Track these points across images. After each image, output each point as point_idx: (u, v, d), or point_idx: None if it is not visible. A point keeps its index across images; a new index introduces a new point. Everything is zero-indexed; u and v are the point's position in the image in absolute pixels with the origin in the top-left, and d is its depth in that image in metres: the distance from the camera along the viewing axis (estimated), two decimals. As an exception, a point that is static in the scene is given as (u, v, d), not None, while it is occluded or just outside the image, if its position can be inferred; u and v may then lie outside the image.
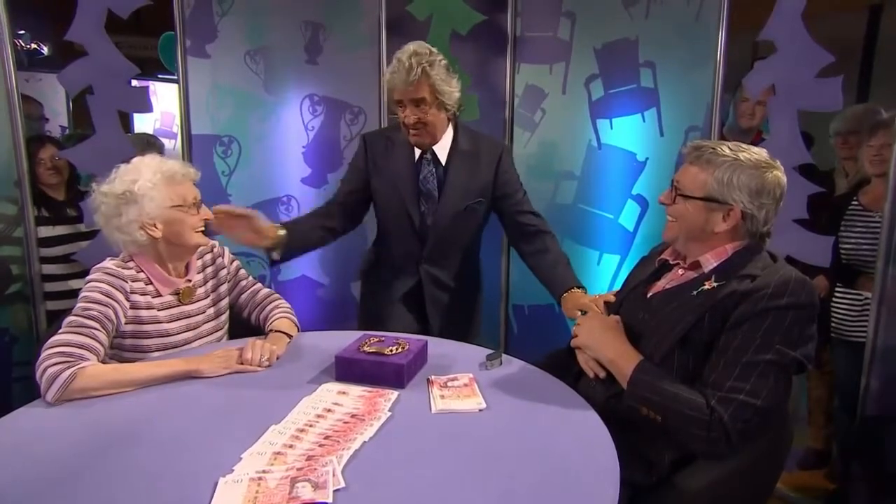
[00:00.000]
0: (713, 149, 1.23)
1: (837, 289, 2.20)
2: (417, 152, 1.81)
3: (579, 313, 1.49)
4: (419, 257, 1.86)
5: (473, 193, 1.81)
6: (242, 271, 1.71)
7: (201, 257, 1.60)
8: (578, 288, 1.70)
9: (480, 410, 1.18)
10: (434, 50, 1.69)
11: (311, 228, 1.81)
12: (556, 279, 1.75)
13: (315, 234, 1.82)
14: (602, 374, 1.27)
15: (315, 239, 1.83)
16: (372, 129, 2.54)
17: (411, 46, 1.68)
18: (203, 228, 1.51)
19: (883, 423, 1.84)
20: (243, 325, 1.68)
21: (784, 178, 1.22)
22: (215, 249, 1.64)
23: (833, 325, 2.21)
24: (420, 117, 1.70)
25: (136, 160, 1.47)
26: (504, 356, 1.43)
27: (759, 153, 1.22)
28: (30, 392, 1.24)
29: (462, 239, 1.88)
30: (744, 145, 1.24)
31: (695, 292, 1.22)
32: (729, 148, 1.22)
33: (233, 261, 1.69)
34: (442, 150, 1.80)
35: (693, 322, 1.18)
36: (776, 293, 1.12)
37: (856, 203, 2.14)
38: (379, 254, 1.97)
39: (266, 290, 1.71)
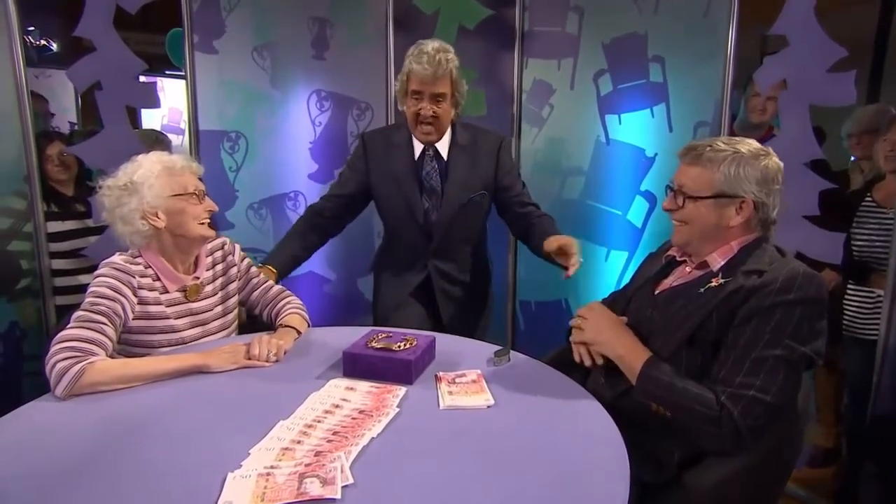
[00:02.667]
0: (710, 146, 1.22)
1: (849, 286, 2.18)
2: (418, 150, 1.84)
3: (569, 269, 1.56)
4: (427, 252, 1.88)
5: (476, 185, 1.85)
6: (254, 269, 1.70)
7: (211, 254, 1.59)
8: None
9: (489, 407, 1.17)
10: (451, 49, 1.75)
11: (292, 255, 1.89)
12: (538, 233, 1.77)
13: (300, 255, 1.90)
14: (600, 362, 1.27)
15: (302, 258, 1.91)
16: (379, 124, 2.55)
17: (436, 42, 1.74)
18: (207, 220, 1.50)
19: (894, 422, 1.83)
20: (257, 322, 1.67)
21: (780, 163, 1.23)
22: (226, 247, 1.63)
23: (845, 322, 2.19)
24: (436, 111, 1.74)
25: (140, 156, 1.48)
26: (512, 352, 1.43)
27: (752, 143, 1.23)
28: (40, 386, 1.25)
29: (467, 231, 1.90)
30: (735, 138, 1.25)
31: (702, 289, 1.21)
32: (724, 143, 1.22)
33: (244, 258, 1.67)
34: (442, 145, 1.84)
35: (700, 321, 1.17)
36: (784, 288, 1.11)
37: (869, 199, 2.12)
38: (388, 250, 1.99)
39: (278, 287, 1.70)
